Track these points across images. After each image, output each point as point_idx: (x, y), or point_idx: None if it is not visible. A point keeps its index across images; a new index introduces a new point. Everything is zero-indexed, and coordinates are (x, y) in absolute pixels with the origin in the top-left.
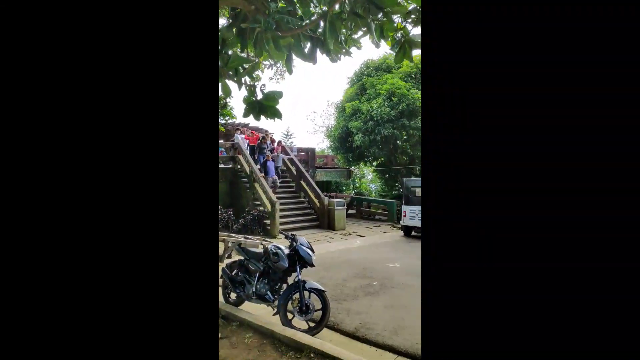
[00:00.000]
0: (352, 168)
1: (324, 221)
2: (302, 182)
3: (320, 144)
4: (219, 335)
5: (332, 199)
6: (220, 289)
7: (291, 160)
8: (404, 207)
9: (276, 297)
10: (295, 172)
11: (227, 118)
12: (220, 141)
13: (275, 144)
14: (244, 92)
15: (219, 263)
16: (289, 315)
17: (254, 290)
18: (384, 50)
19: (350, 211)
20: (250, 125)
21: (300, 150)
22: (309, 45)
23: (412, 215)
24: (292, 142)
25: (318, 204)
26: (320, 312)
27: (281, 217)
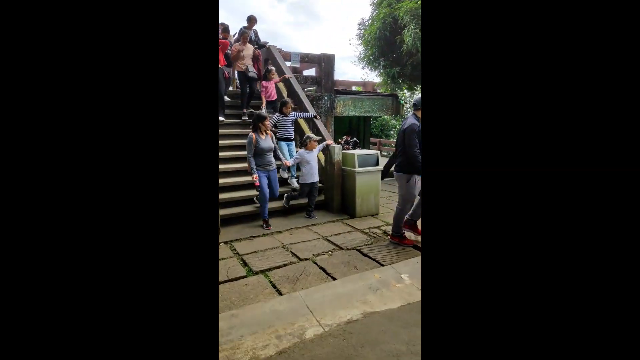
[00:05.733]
0: (400, 94)
1: (334, 198)
2: (303, 120)
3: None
4: None
5: (351, 151)
6: None
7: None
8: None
9: None
10: (286, 94)
11: None
12: None
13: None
14: None
15: None
16: None
17: None
18: None
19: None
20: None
21: (305, 58)
22: None
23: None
24: None
25: (322, 162)
26: None
27: (236, 187)
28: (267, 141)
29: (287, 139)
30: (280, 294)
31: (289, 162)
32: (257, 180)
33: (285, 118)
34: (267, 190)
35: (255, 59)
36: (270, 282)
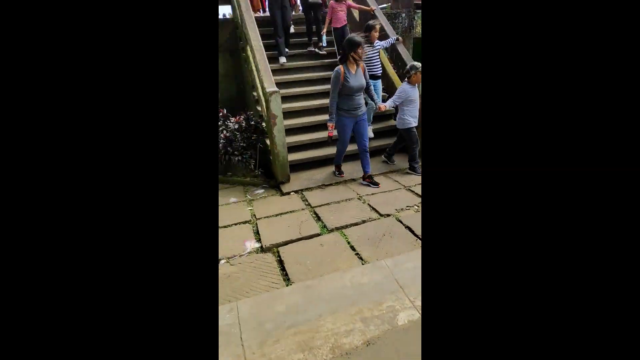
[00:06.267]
0: None
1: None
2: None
3: None
4: None
5: None
6: None
7: None
8: None
9: None
10: (359, 18)
11: None
12: None
13: None
14: None
15: None
16: None
17: None
18: None
19: None
20: None
21: None
22: None
23: None
24: None
25: None
26: None
27: (304, 129)
28: (358, 77)
29: (374, 77)
30: (361, 258)
31: (386, 104)
32: (332, 130)
33: (372, 49)
34: (347, 144)
35: None
36: (348, 242)
